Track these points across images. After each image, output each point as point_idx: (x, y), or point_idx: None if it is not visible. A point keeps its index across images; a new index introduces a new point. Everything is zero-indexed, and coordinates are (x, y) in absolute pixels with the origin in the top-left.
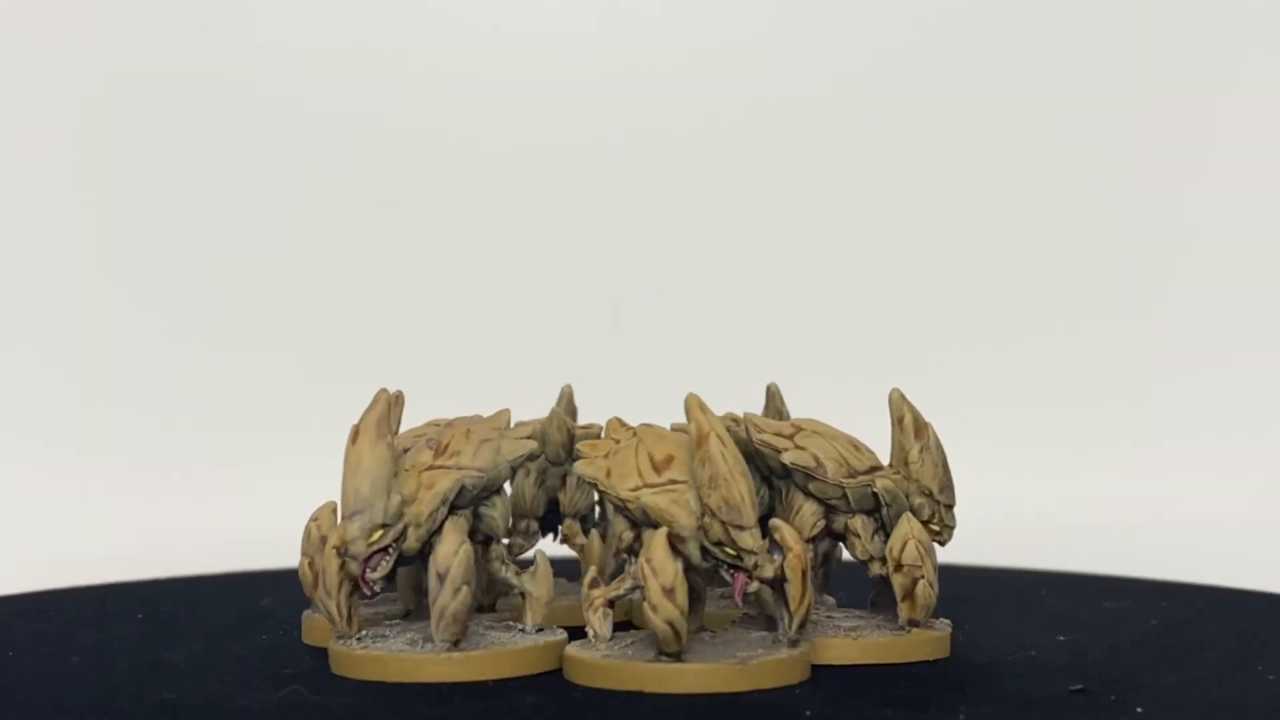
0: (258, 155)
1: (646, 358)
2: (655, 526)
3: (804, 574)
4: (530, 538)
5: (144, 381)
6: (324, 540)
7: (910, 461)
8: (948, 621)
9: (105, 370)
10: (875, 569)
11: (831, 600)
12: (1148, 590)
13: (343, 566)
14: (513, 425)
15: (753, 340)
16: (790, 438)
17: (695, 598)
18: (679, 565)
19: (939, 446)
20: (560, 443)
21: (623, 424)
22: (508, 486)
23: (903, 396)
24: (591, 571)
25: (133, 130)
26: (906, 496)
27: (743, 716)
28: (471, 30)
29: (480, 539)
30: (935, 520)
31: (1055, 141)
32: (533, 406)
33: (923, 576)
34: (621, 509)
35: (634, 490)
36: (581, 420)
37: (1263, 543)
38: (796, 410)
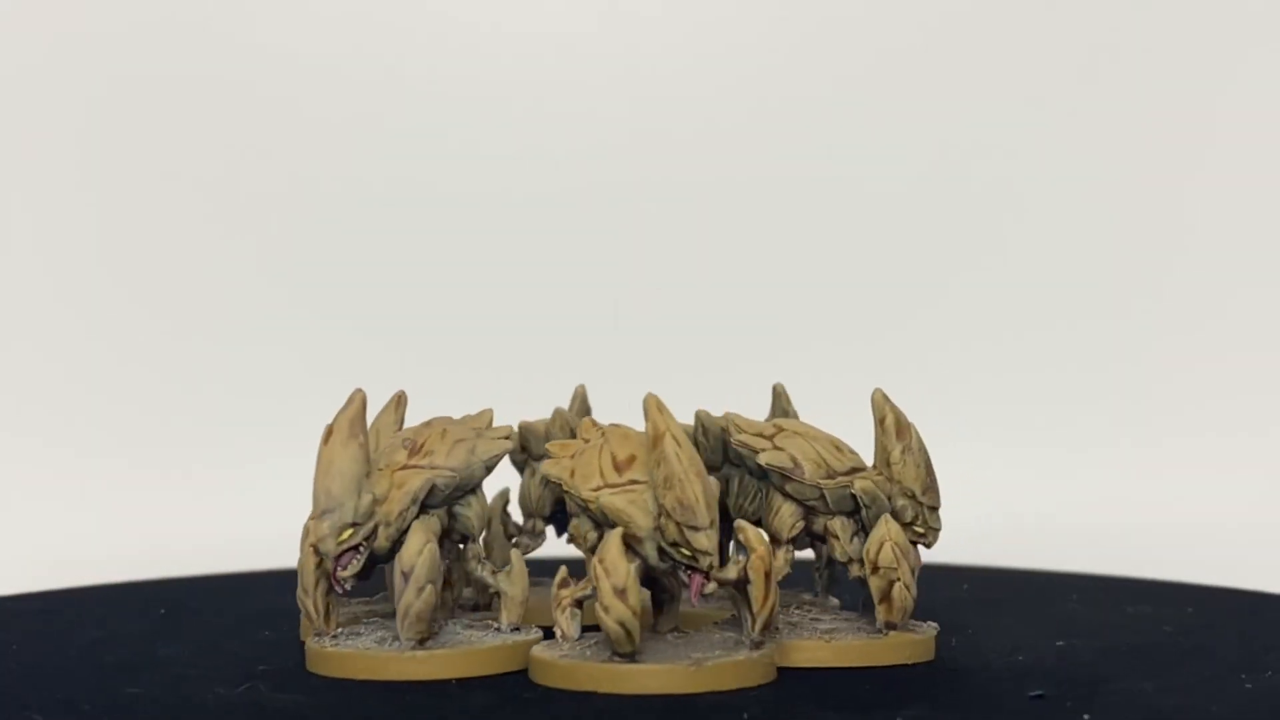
0: (257, 155)
1: (649, 358)
2: (615, 527)
3: (767, 575)
4: (536, 538)
5: (144, 381)
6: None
7: (892, 462)
8: (934, 624)
9: (105, 370)
10: (855, 571)
11: (835, 602)
12: (1172, 594)
13: (320, 564)
14: (525, 423)
15: (757, 340)
16: (770, 438)
17: (669, 598)
18: (632, 566)
19: (922, 448)
20: None
21: (594, 424)
22: (519, 487)
23: (885, 397)
24: (562, 571)
25: (132, 130)
26: (889, 498)
27: (682, 717)
28: (471, 30)
29: (457, 538)
30: (919, 522)
31: (1055, 141)
32: (534, 406)
33: (899, 579)
34: (584, 509)
35: (595, 490)
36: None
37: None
38: (800, 410)
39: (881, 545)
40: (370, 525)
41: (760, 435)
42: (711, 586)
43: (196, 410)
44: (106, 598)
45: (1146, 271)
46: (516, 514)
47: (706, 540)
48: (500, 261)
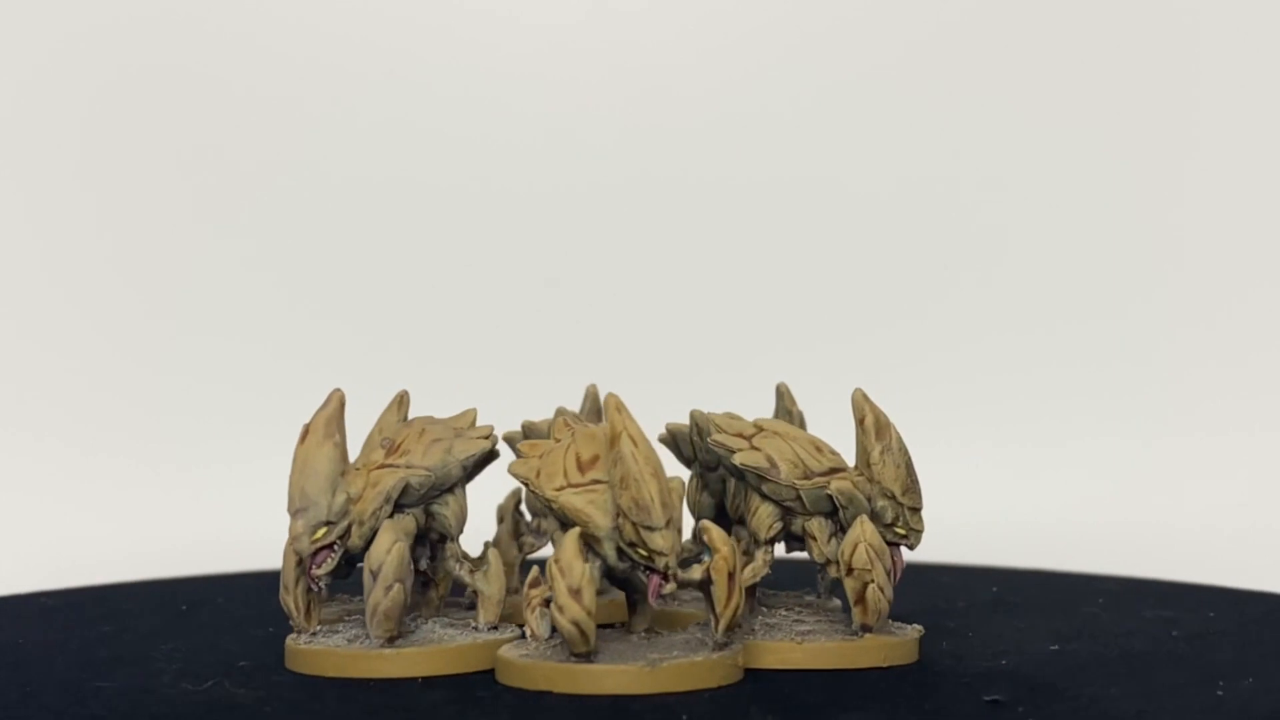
0: (253, 154)
1: (651, 358)
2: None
3: (730, 576)
4: (541, 537)
5: (143, 381)
6: None
7: (872, 463)
8: (918, 627)
9: (104, 368)
10: (832, 572)
11: (837, 603)
12: (1203, 597)
13: (300, 563)
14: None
15: (759, 340)
16: (749, 439)
17: (642, 598)
18: (590, 566)
19: (902, 448)
20: None
21: (568, 423)
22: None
23: (864, 396)
24: (534, 571)
25: (130, 130)
26: (869, 499)
27: (622, 716)
28: (470, 31)
29: (435, 537)
30: (900, 523)
31: (1053, 144)
32: (539, 406)
33: (873, 581)
34: (549, 509)
35: (557, 490)
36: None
37: None
38: (804, 409)
39: (856, 547)
40: (344, 524)
41: (740, 435)
42: (670, 587)
43: (201, 409)
44: (134, 594)
45: (1149, 272)
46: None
47: (662, 540)
48: (502, 261)
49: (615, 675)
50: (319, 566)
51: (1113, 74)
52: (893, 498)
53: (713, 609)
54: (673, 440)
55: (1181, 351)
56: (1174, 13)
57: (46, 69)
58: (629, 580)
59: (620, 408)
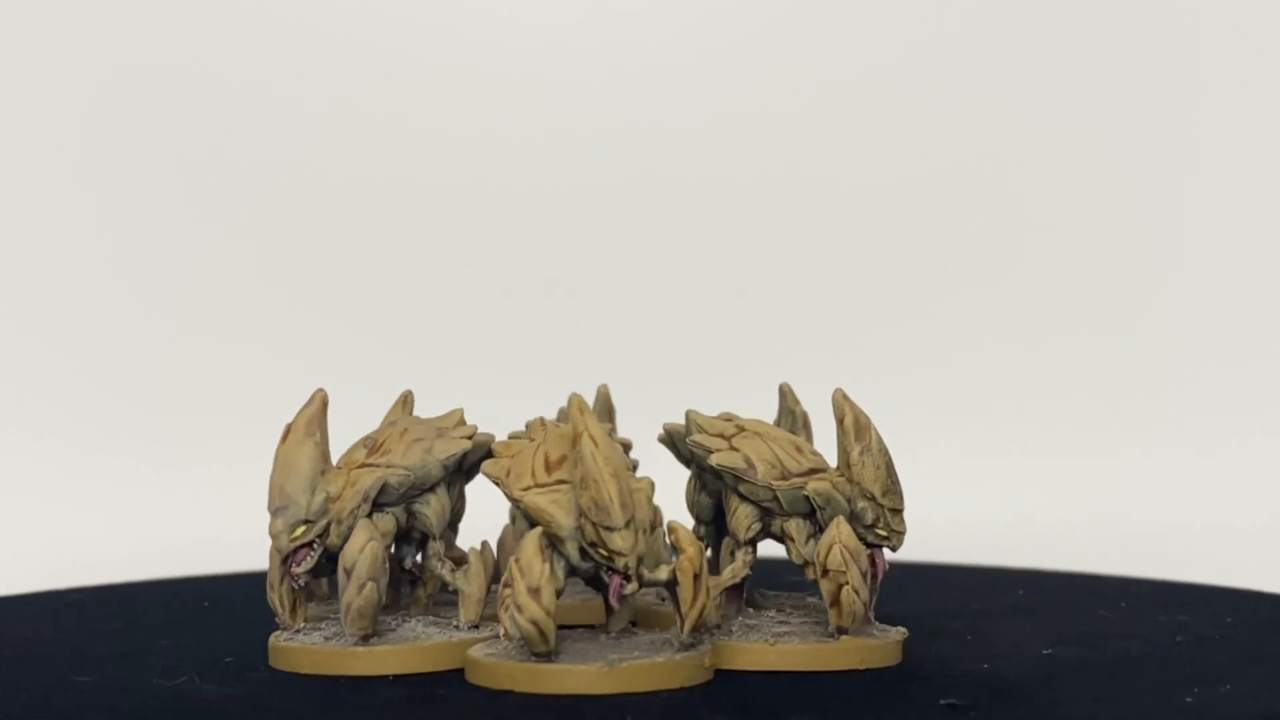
0: (249, 154)
1: (654, 358)
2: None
3: (696, 577)
4: None
5: (143, 381)
6: None
7: (851, 464)
8: (902, 629)
9: (105, 370)
10: (810, 574)
11: None
12: (1229, 600)
13: (285, 561)
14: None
15: (762, 340)
16: (729, 439)
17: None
18: (547, 566)
19: (882, 449)
20: None
21: (543, 424)
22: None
23: (845, 396)
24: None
25: (130, 130)
26: (850, 500)
27: (569, 716)
28: (470, 31)
29: (418, 536)
30: (881, 525)
31: (1058, 144)
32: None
33: (847, 583)
34: (517, 508)
35: (524, 490)
36: (620, 422)
37: None
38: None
39: (831, 548)
40: (323, 523)
41: (720, 436)
42: (632, 587)
43: (202, 409)
44: (136, 593)
45: (1153, 274)
46: None
47: (621, 540)
48: (502, 261)
49: (575, 675)
50: (299, 565)
51: (1116, 77)
52: (873, 499)
53: (678, 610)
54: (671, 441)
55: (1199, 355)
56: (1176, 13)
57: (46, 69)
58: (598, 580)
59: (583, 408)
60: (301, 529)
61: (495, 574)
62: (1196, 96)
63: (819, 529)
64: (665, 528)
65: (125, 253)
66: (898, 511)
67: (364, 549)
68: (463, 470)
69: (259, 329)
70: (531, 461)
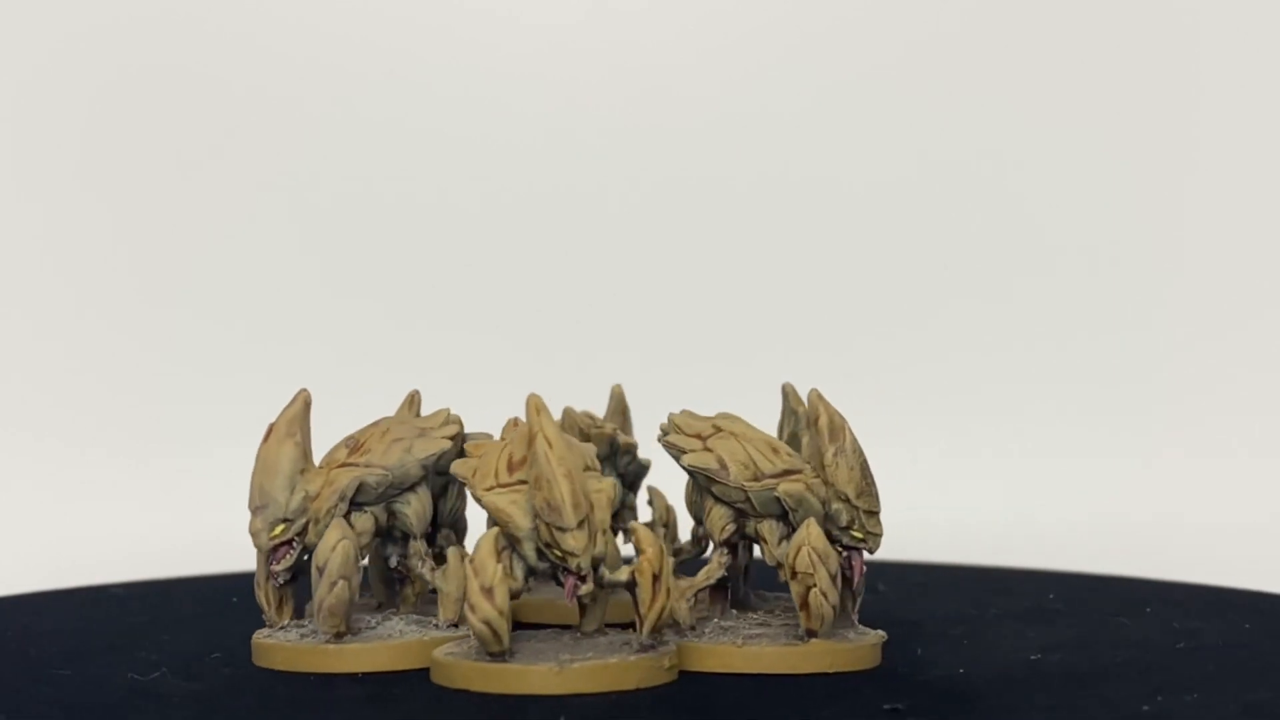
0: (255, 155)
1: (655, 358)
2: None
3: (655, 578)
4: None
5: (143, 381)
6: None
7: (825, 465)
8: (881, 633)
9: (105, 370)
10: (782, 576)
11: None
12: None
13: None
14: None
15: (762, 341)
16: (704, 439)
17: (592, 599)
18: (502, 566)
19: (856, 449)
20: None
21: (516, 423)
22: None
23: (820, 397)
24: None
25: (130, 130)
26: (825, 502)
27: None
28: (470, 31)
29: (398, 535)
30: (856, 526)
31: (1059, 144)
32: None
33: (815, 585)
34: (482, 507)
35: (487, 490)
36: (634, 420)
37: None
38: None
39: (799, 550)
40: (302, 521)
41: (696, 436)
42: (586, 588)
43: (201, 408)
44: (140, 594)
45: (1157, 276)
46: None
47: (574, 541)
48: (502, 261)
49: (527, 675)
50: (278, 562)
51: (1117, 77)
52: (847, 500)
53: (637, 610)
54: None
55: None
56: (1176, 13)
57: (46, 69)
58: (558, 581)
59: (540, 409)
60: (280, 527)
61: None
62: (1196, 96)
63: (793, 530)
64: (628, 528)
65: (125, 252)
66: (873, 513)
67: (335, 547)
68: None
69: (259, 329)
70: (496, 461)
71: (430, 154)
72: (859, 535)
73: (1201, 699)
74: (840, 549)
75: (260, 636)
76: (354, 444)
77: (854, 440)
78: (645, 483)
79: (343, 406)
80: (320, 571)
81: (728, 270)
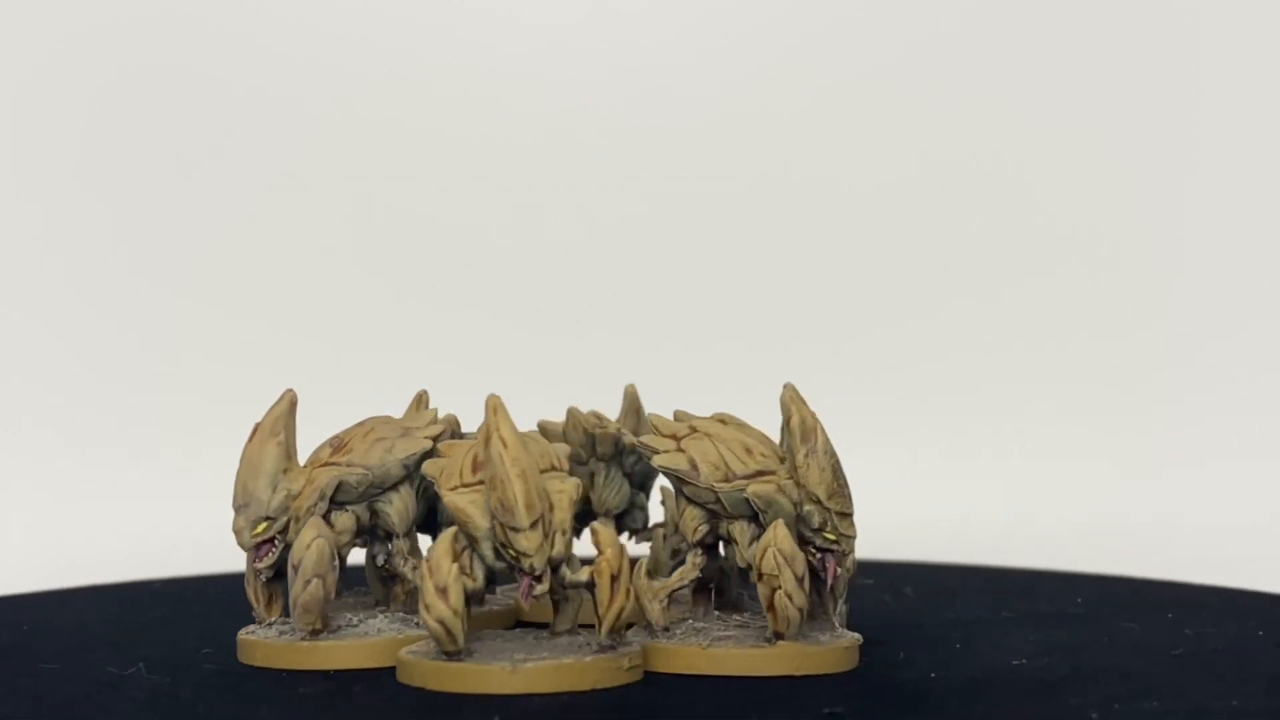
0: (255, 155)
1: (655, 358)
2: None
3: (614, 579)
4: None
5: (143, 381)
6: None
7: (797, 465)
8: (856, 635)
9: (106, 370)
10: (752, 577)
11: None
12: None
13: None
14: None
15: (763, 341)
16: (679, 440)
17: (564, 599)
18: (458, 566)
19: (828, 450)
20: (579, 443)
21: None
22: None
23: (794, 395)
24: None
25: (130, 130)
26: (798, 504)
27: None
28: (470, 31)
29: (381, 534)
30: (829, 528)
31: (1059, 144)
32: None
33: (780, 587)
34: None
35: (451, 489)
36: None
37: None
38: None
39: (765, 551)
40: (284, 520)
41: (671, 437)
42: (541, 589)
43: (202, 408)
44: (139, 592)
45: (1159, 278)
46: None
47: (527, 541)
48: (502, 261)
49: (479, 675)
50: (260, 560)
51: (1117, 77)
52: (819, 502)
53: (596, 611)
54: None
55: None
56: (1176, 13)
57: (46, 69)
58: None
59: (498, 409)
60: (263, 525)
61: None
62: (1197, 97)
63: (763, 531)
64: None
65: (125, 252)
66: (846, 515)
67: (310, 546)
68: None
69: (259, 330)
70: (461, 462)
71: (430, 154)
72: (831, 537)
73: (1161, 705)
74: (814, 551)
75: (244, 633)
76: (338, 443)
77: (826, 441)
78: (659, 483)
79: (343, 407)
80: (295, 569)
81: (727, 270)
